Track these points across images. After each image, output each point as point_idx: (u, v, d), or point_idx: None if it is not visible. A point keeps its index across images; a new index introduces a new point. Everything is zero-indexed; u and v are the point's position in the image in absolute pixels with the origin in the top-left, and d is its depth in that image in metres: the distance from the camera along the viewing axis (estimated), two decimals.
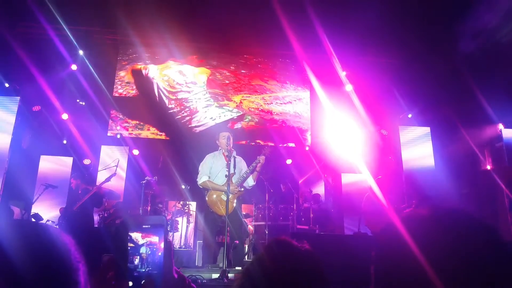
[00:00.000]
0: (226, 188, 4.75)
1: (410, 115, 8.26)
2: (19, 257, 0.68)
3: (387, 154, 7.79)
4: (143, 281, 0.84)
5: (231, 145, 5.00)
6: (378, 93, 7.99)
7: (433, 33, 6.73)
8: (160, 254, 0.86)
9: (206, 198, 5.03)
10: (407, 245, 0.71)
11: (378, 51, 7.66)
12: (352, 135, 7.66)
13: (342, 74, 7.88)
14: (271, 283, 0.96)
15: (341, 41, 6.98)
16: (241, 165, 5.17)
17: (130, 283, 0.84)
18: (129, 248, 0.85)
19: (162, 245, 0.86)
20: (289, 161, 8.11)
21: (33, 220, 5.85)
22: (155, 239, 0.86)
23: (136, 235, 0.86)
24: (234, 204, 4.91)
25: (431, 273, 0.67)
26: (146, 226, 0.87)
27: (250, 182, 5.14)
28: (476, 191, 7.48)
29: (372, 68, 7.97)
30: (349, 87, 8.00)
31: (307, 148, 8.19)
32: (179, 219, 7.16)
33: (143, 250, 0.86)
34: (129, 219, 0.87)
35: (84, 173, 7.10)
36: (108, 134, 7.93)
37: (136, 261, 0.85)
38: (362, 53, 7.64)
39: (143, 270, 0.85)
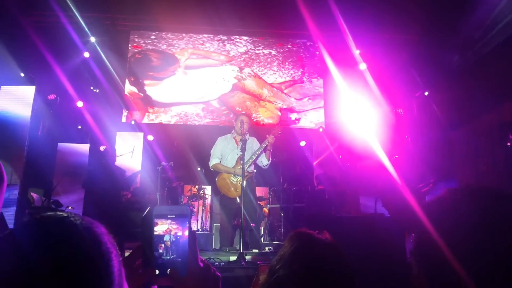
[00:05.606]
0: (235, 170, 4.78)
1: (426, 93, 8.08)
2: (42, 258, 0.64)
3: (403, 133, 7.67)
4: (169, 269, 0.84)
5: (246, 129, 4.98)
6: (393, 71, 7.81)
7: (450, 6, 6.50)
8: (183, 242, 0.86)
9: (216, 181, 5.06)
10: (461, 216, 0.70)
11: (393, 27, 7.45)
12: (367, 115, 7.55)
13: (356, 52, 7.72)
14: (297, 282, 0.95)
15: (355, 18, 6.81)
16: (253, 145, 5.13)
17: (157, 271, 0.84)
18: (154, 236, 0.85)
19: (186, 233, 0.86)
20: (303, 143, 8.06)
21: (53, 206, 5.98)
22: (179, 228, 0.86)
23: (161, 223, 0.86)
24: (244, 186, 4.89)
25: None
26: (172, 216, 0.87)
27: (264, 161, 5.11)
28: (495, 168, 7.33)
29: (387, 45, 7.77)
30: (363, 66, 7.85)
31: (321, 130, 8.12)
32: (195, 203, 7.25)
33: (167, 238, 0.86)
34: (156, 208, 0.87)
35: (101, 160, 7.18)
36: (123, 120, 7.98)
37: (161, 249, 0.85)
38: (377, 29, 7.44)
39: (168, 258, 0.85)
